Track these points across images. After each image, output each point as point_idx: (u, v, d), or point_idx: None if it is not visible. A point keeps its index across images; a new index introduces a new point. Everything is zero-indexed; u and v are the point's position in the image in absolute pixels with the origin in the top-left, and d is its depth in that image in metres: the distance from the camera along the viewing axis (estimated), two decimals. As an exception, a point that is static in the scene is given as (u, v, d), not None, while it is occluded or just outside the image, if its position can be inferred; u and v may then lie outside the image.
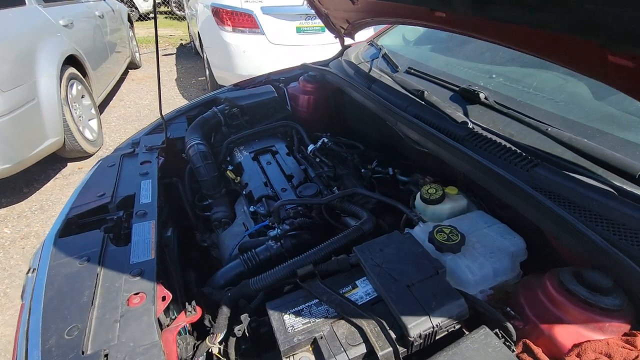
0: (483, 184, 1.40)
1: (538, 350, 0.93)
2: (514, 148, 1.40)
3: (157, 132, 2.47)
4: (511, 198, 1.30)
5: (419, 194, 1.54)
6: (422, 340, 0.97)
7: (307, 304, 1.10)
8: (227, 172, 2.10)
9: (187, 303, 1.20)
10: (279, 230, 1.54)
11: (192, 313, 1.19)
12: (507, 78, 1.88)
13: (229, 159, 2.26)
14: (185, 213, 2.06)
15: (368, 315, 1.03)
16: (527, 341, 0.96)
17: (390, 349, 0.96)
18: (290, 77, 2.94)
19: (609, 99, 1.51)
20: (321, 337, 1.01)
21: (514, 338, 0.97)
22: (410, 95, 1.96)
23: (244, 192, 1.96)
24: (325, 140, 2.21)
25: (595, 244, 1.03)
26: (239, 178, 2.06)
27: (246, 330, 1.20)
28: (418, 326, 0.96)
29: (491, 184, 1.37)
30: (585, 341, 0.92)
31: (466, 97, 1.82)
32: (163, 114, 2.13)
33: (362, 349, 0.97)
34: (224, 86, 2.99)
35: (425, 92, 1.88)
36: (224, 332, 1.20)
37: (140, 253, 1.35)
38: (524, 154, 1.36)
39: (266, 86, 2.69)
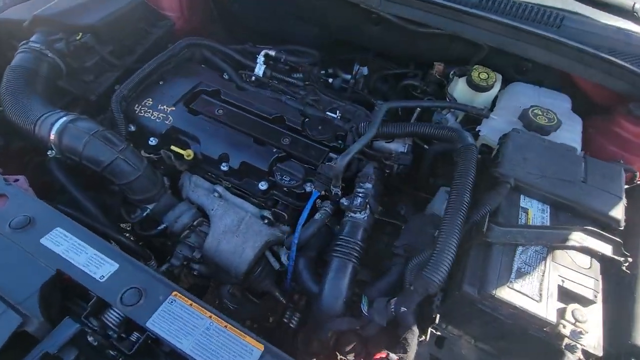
0: (517, 50, 1.32)
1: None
2: (534, 5, 1.32)
3: None
4: (551, 57, 1.30)
5: (461, 82, 1.34)
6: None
7: (516, 259, 0.88)
8: (172, 148, 1.23)
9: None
10: (360, 195, 1.07)
11: None
12: None
13: (133, 127, 1.30)
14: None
15: (569, 229, 0.92)
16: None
17: (610, 246, 0.91)
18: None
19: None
20: (563, 281, 0.85)
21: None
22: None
23: (223, 168, 1.23)
24: (272, 53, 1.54)
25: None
26: (190, 152, 1.25)
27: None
28: (621, 211, 0.94)
29: (527, 48, 1.31)
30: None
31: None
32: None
33: (596, 264, 0.89)
34: None
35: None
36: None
37: (232, 353, 0.70)
38: (546, 10, 1.31)
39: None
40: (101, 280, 0.77)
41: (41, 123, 1.09)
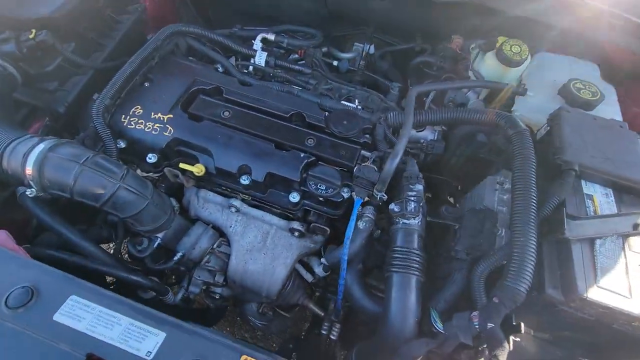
0: (550, 19, 1.23)
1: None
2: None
3: None
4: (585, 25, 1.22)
5: (490, 57, 1.22)
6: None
7: (597, 254, 0.82)
8: (180, 166, 1.03)
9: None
10: (412, 200, 0.96)
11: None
12: None
13: (122, 144, 1.07)
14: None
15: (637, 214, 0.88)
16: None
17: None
18: None
19: None
20: (645, 269, 0.81)
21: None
22: None
23: (243, 182, 1.05)
24: (270, 37, 1.33)
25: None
26: (201, 166, 1.05)
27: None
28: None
29: (559, 16, 1.22)
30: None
31: None
32: None
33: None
34: None
35: None
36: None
37: None
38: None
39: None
40: (149, 358, 0.62)
41: (10, 154, 0.85)
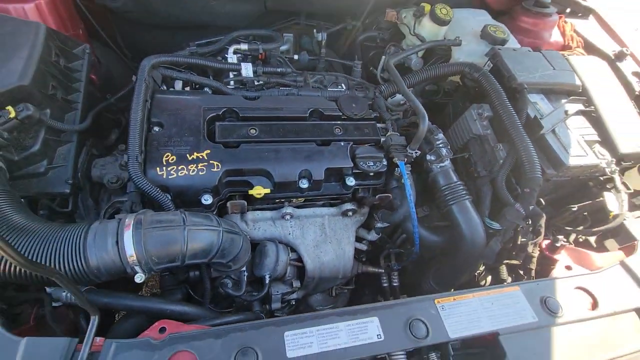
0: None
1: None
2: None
3: None
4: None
5: (426, 21, 1.51)
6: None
7: (560, 136, 1.23)
8: (250, 192, 1.01)
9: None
10: (441, 146, 1.19)
11: None
12: None
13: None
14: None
15: (564, 104, 1.33)
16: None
17: (581, 103, 1.37)
18: None
19: None
20: (582, 135, 1.27)
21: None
22: None
23: (302, 185, 1.11)
24: (242, 46, 1.31)
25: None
26: (261, 188, 1.06)
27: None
28: (577, 78, 1.40)
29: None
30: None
31: None
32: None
33: (583, 117, 1.34)
34: None
35: None
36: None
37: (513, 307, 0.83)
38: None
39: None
40: (382, 339, 0.72)
41: (94, 249, 0.72)
